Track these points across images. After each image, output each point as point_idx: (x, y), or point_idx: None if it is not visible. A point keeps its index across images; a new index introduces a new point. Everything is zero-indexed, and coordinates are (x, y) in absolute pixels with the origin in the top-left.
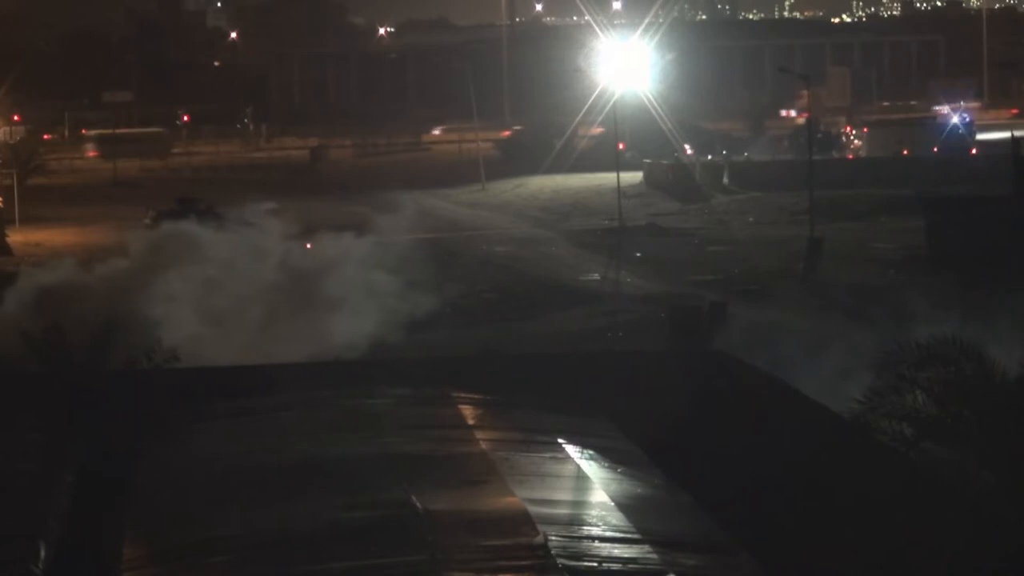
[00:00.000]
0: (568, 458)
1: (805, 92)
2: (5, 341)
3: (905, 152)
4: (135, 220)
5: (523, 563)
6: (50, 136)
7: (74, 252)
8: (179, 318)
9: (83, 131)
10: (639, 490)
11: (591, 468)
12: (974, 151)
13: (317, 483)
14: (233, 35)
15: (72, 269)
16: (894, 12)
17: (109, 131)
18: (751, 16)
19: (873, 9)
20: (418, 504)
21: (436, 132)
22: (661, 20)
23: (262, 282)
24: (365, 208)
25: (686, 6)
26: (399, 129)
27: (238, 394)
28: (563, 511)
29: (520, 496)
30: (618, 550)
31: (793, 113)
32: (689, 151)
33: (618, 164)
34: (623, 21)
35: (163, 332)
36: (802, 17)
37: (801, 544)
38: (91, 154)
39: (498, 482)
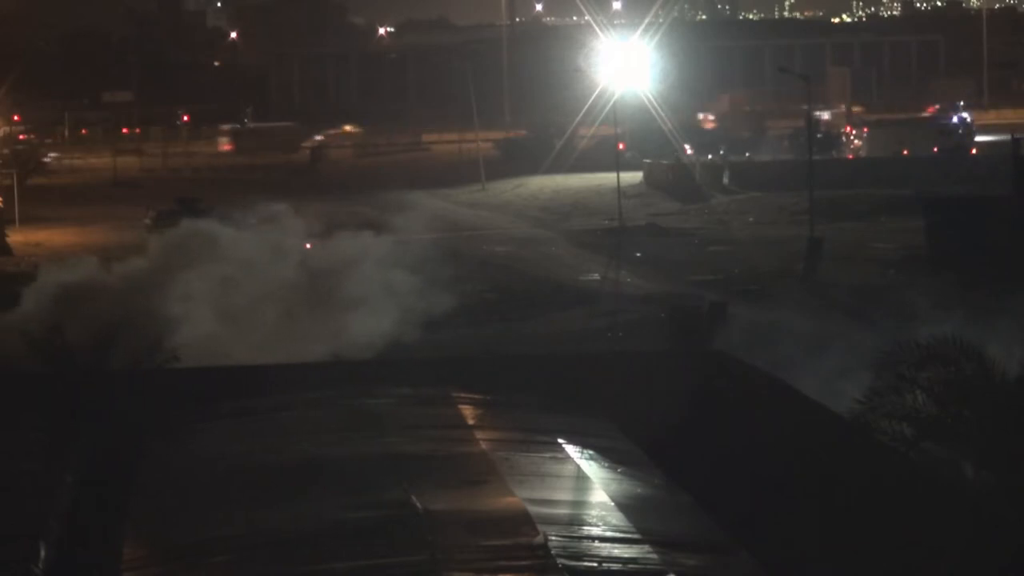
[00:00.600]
0: (568, 458)
1: (725, 96)
2: (12, 341)
3: (905, 152)
4: (135, 220)
5: (523, 563)
6: (25, 136)
7: (74, 252)
8: (191, 317)
9: (217, 127)
10: (639, 490)
11: (591, 468)
12: (974, 151)
13: (318, 483)
14: (233, 35)
15: (87, 268)
16: (894, 12)
17: (243, 125)
18: (751, 16)
19: (873, 9)
20: (418, 504)
21: (324, 135)
22: (661, 20)
23: (269, 281)
24: (366, 208)
25: (686, 6)
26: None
27: (239, 394)
28: (563, 511)
29: (520, 496)
30: (618, 550)
31: (711, 117)
32: (689, 151)
33: (618, 164)
34: (623, 21)
35: (179, 330)
36: (802, 17)
37: (801, 544)
38: (226, 147)
39: (498, 482)
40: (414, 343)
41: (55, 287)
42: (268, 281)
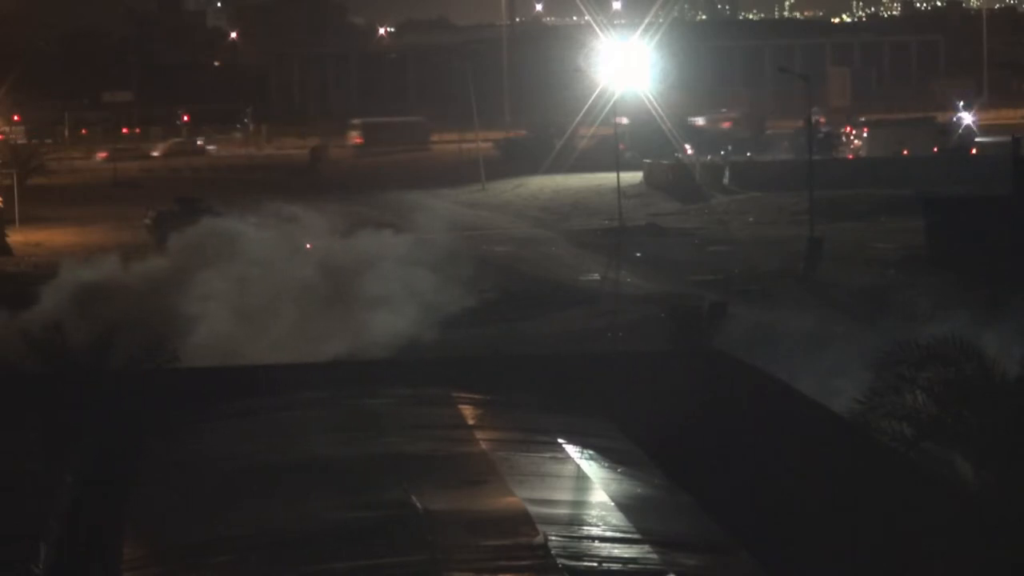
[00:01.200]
0: (568, 458)
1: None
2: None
3: (905, 152)
4: (135, 220)
5: (523, 563)
6: (4, 136)
7: (74, 252)
8: (208, 316)
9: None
10: (639, 490)
11: (591, 468)
12: (974, 151)
13: (318, 483)
14: (233, 35)
15: (107, 266)
16: (894, 12)
17: (373, 119)
18: (751, 16)
19: (873, 9)
20: (418, 504)
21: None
22: (661, 20)
23: (273, 280)
24: (365, 208)
25: (686, 6)
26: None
27: (241, 394)
28: (563, 511)
29: (520, 496)
30: (618, 550)
31: (626, 120)
32: (690, 151)
33: (618, 164)
34: (623, 21)
35: (196, 330)
36: (802, 17)
37: (801, 544)
38: (356, 140)
39: (498, 482)
40: (413, 342)
41: (75, 285)
42: (271, 280)
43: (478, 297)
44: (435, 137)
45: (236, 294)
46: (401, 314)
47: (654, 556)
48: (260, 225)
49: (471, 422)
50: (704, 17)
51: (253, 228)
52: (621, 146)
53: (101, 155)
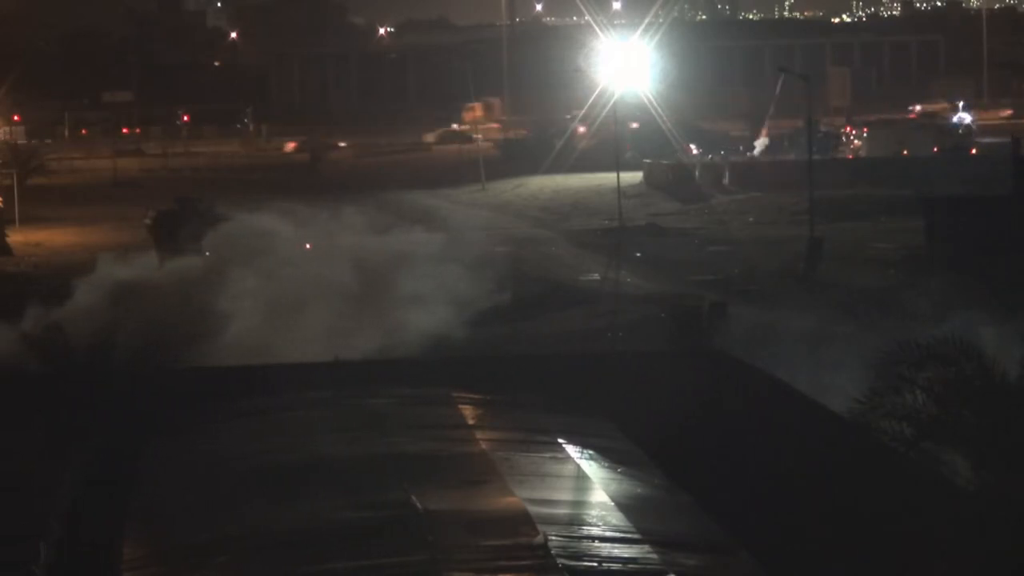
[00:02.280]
0: (568, 458)
1: (476, 104)
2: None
3: (905, 152)
4: (135, 220)
5: (523, 563)
6: None
7: (74, 252)
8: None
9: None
10: (639, 490)
11: (591, 468)
12: (974, 151)
13: (319, 483)
14: (233, 35)
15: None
16: (894, 12)
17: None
18: (751, 16)
19: (873, 9)
20: (418, 504)
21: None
22: (661, 20)
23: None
24: (365, 208)
25: (686, 6)
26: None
27: (241, 394)
28: (563, 511)
29: (520, 496)
30: (618, 550)
31: (455, 126)
32: (694, 151)
33: (618, 164)
34: (623, 21)
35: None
36: (802, 17)
37: (801, 544)
38: (582, 131)
39: (498, 482)
40: (412, 343)
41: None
42: (295, 278)
43: (493, 299)
44: (435, 137)
45: (265, 292)
46: (404, 315)
47: (654, 556)
48: (273, 224)
49: (471, 422)
50: (704, 17)
51: (280, 227)
52: (627, 146)
53: (290, 145)
